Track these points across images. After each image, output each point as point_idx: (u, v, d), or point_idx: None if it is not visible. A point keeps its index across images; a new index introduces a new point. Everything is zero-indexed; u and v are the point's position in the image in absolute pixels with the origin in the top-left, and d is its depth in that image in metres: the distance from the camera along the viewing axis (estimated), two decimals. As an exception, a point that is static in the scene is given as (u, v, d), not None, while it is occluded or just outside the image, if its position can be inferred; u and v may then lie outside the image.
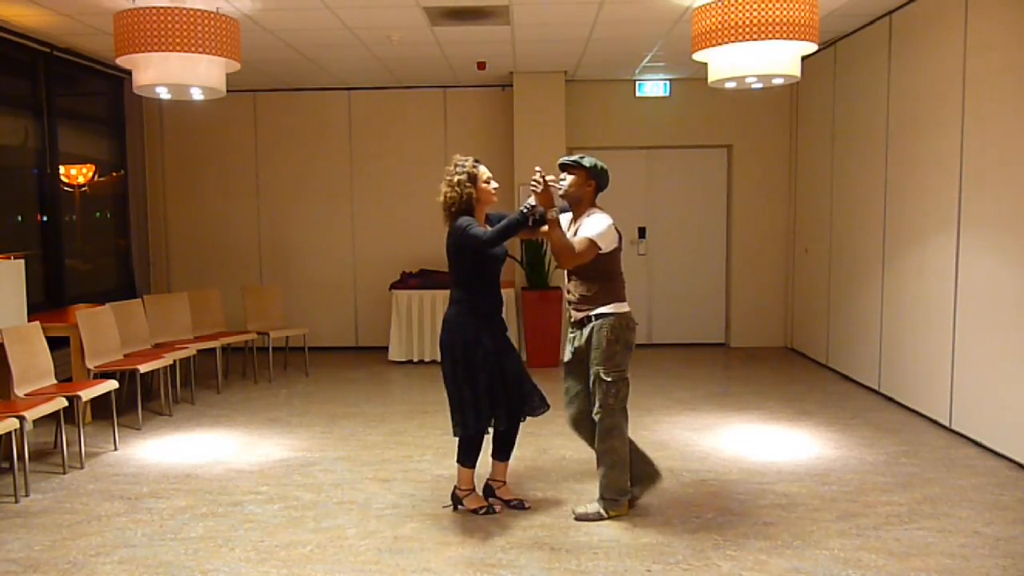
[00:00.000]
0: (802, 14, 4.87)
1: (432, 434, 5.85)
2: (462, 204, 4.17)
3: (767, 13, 4.80)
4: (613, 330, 4.12)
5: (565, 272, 4.32)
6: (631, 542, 3.93)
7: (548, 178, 4.04)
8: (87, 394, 5.36)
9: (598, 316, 4.14)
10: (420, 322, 8.60)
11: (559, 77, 8.80)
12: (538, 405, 4.32)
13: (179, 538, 4.05)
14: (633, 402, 6.67)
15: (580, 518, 4.21)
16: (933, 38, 5.91)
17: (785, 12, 4.81)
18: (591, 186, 4.25)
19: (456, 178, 4.19)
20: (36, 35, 6.99)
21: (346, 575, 3.63)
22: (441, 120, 9.40)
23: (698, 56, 5.27)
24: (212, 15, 5.26)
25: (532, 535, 4.02)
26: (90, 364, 6.02)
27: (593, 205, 4.27)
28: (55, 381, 5.60)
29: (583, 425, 4.37)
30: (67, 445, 5.33)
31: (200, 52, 5.21)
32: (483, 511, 4.30)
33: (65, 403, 5.08)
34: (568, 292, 4.30)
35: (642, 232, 9.53)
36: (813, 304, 8.45)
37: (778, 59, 5.01)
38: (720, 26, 4.94)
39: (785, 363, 8.49)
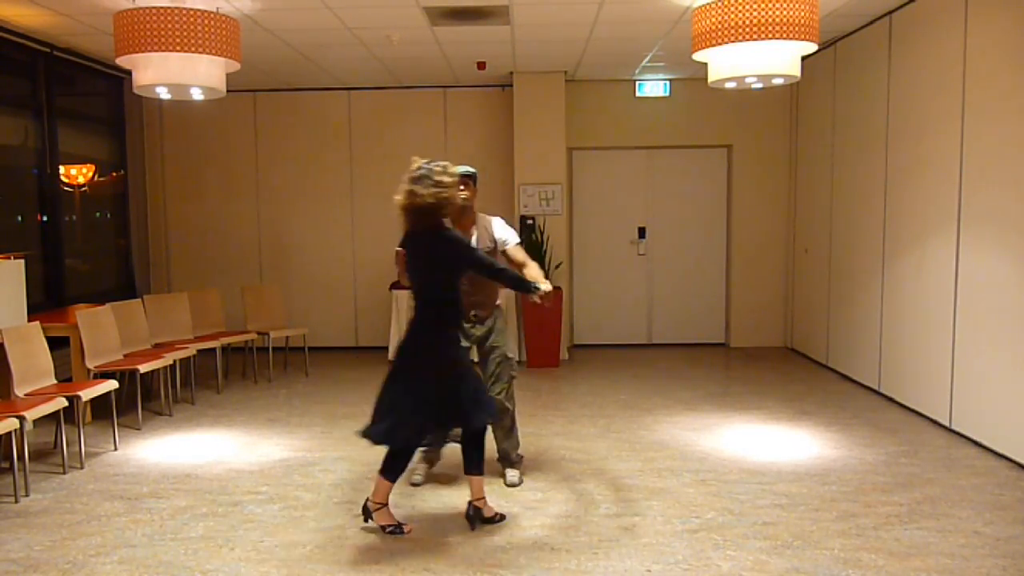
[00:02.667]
0: (802, 14, 4.86)
1: (432, 434, 5.85)
2: (448, 210, 3.97)
3: (767, 13, 4.80)
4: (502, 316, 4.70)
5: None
6: (631, 542, 3.93)
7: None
8: (87, 394, 5.36)
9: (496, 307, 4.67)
10: (420, 322, 8.60)
11: (559, 77, 8.80)
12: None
13: (179, 538, 4.05)
14: (633, 402, 6.76)
15: (513, 485, 4.59)
16: (933, 38, 5.92)
17: (785, 12, 4.81)
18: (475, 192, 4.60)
19: (449, 179, 3.92)
20: (36, 35, 6.99)
21: (346, 575, 3.64)
22: (441, 120, 9.40)
23: (698, 56, 5.27)
24: (212, 15, 5.26)
25: (532, 535, 4.02)
26: (90, 364, 6.02)
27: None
28: (55, 381, 5.60)
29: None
30: (67, 445, 5.33)
31: (200, 52, 5.21)
32: (391, 529, 4.04)
33: (65, 403, 5.07)
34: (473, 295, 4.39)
35: (642, 232, 9.53)
36: (813, 304, 8.45)
37: (778, 59, 5.01)
38: (720, 26, 4.94)
39: (785, 363, 8.49)
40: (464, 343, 4.43)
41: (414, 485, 4.69)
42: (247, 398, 7.11)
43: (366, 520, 4.11)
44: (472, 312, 4.47)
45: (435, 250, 3.94)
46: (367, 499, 4.12)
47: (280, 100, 9.39)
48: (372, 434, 3.98)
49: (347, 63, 8.06)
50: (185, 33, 5.13)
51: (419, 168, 3.91)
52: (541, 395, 7.21)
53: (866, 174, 7.03)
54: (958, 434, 5.59)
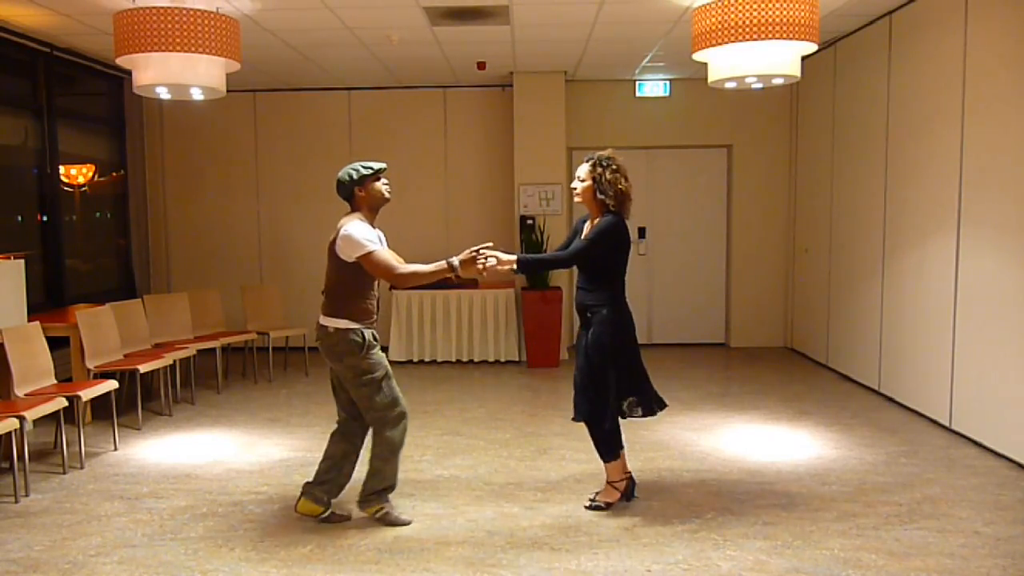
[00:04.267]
0: (802, 14, 4.87)
1: (432, 434, 5.86)
2: None
3: (767, 13, 4.80)
4: None
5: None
6: (631, 542, 3.93)
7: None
8: (87, 394, 5.36)
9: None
10: (420, 322, 8.61)
11: (559, 77, 8.80)
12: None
13: (179, 538, 4.05)
14: (633, 402, 6.74)
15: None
16: (933, 38, 5.91)
17: (785, 12, 4.81)
18: None
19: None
20: (36, 35, 6.99)
21: (346, 575, 3.64)
22: (441, 120, 9.40)
23: (698, 56, 5.28)
24: (212, 15, 5.26)
25: (532, 535, 4.02)
26: (90, 364, 6.02)
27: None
28: (55, 381, 5.60)
29: None
30: (67, 445, 5.33)
31: (200, 52, 5.21)
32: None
33: (65, 403, 5.07)
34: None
35: (642, 232, 9.53)
36: (813, 304, 8.45)
37: (778, 59, 5.01)
38: (720, 26, 4.94)
39: (785, 363, 8.49)
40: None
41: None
42: (247, 398, 7.11)
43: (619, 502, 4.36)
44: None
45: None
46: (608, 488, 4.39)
47: (280, 100, 9.39)
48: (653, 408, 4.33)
49: (347, 63, 8.06)
50: (185, 33, 5.13)
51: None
52: (541, 395, 7.21)
53: (866, 174, 7.03)
54: (958, 434, 5.59)
